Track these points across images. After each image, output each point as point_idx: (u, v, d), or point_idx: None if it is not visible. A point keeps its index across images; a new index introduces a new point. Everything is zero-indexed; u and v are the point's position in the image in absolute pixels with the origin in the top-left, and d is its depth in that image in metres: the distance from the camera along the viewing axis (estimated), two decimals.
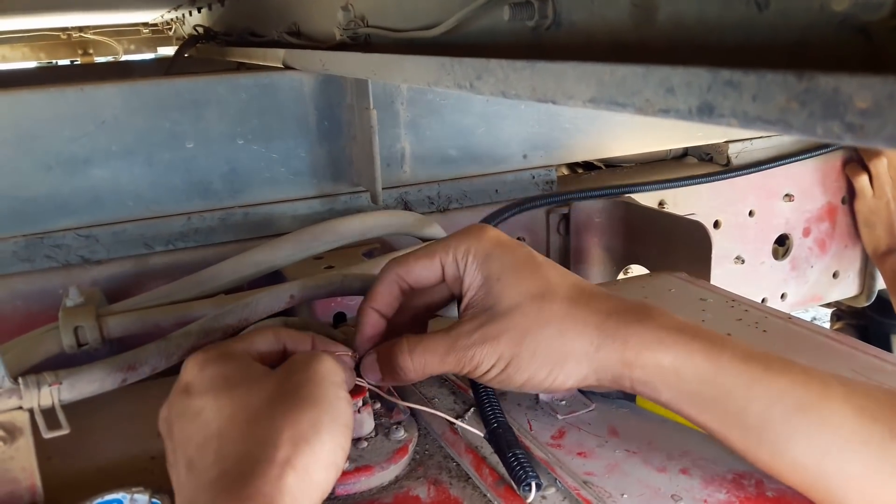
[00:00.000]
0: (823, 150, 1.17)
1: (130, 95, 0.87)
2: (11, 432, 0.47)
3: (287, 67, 0.97)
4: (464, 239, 0.56)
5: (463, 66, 0.49)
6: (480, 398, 0.59)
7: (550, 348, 0.52)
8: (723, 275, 1.17)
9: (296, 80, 0.95)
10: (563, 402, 0.65)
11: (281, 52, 0.99)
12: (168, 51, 2.89)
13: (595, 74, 0.37)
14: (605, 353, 0.52)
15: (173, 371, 0.63)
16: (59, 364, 0.60)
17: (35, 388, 0.48)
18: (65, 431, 0.47)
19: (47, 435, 0.47)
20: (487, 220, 0.85)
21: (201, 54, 1.75)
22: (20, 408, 0.47)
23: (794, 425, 0.48)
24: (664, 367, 0.51)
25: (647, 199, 1.13)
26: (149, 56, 2.98)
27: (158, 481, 0.56)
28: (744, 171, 1.11)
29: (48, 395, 0.48)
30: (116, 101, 0.86)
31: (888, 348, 1.71)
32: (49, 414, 0.48)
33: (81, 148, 0.85)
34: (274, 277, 0.83)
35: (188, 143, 0.90)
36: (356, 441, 0.57)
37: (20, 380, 0.48)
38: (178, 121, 0.89)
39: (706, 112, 0.32)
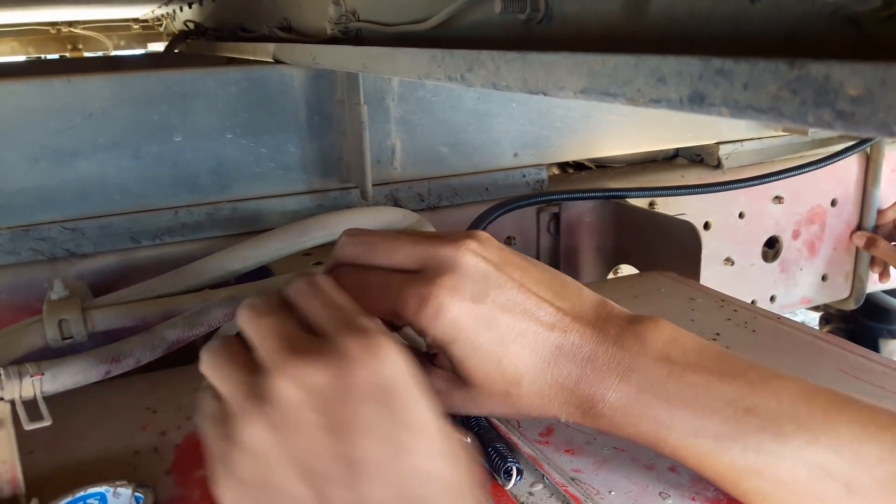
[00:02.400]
0: (821, 164, 1.17)
1: (119, 87, 0.86)
2: None
3: (277, 62, 0.96)
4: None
5: (454, 59, 0.49)
6: None
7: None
8: (712, 276, 1.17)
9: (286, 74, 0.94)
10: None
11: (271, 46, 0.99)
12: (158, 47, 2.87)
13: (586, 64, 0.37)
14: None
15: (157, 365, 0.63)
16: (44, 358, 0.59)
17: (17, 378, 0.47)
18: (47, 423, 0.46)
19: (29, 427, 0.46)
20: (479, 219, 0.85)
21: (191, 50, 1.74)
22: (1, 399, 0.46)
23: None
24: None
25: (637, 199, 1.12)
26: (138, 52, 2.97)
27: (141, 476, 0.56)
28: (737, 185, 1.10)
29: (30, 386, 0.47)
30: (104, 94, 0.85)
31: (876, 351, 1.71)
32: (31, 406, 0.48)
33: (68, 140, 0.84)
34: (261, 273, 0.82)
35: (176, 136, 0.90)
36: None
37: (1, 370, 0.47)
38: (166, 114, 0.88)
39: (697, 101, 0.31)
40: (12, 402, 0.47)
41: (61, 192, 0.85)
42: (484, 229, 0.81)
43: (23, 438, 0.49)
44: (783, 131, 1.30)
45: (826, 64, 0.25)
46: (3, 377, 0.46)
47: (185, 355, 0.76)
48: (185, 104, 0.89)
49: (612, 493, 0.52)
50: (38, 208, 0.84)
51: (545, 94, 0.41)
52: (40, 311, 0.70)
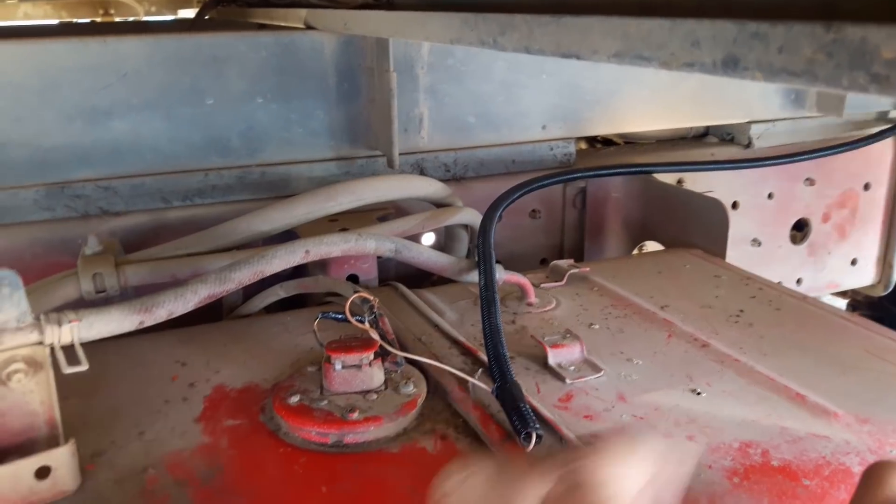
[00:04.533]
0: (855, 145, 1.14)
1: (153, 49, 0.87)
2: (32, 366, 0.47)
3: (308, 27, 0.97)
4: None
5: (486, 22, 0.49)
6: (490, 355, 0.59)
7: None
8: (739, 256, 1.16)
9: (317, 40, 0.94)
10: (572, 368, 0.65)
11: (303, 12, 0.99)
12: (189, 13, 2.88)
13: (621, 28, 0.37)
14: None
15: (186, 321, 0.64)
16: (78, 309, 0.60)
17: (56, 324, 0.48)
18: (83, 368, 0.48)
19: (67, 370, 0.47)
20: (505, 195, 0.84)
21: (222, 16, 1.75)
22: (41, 343, 0.48)
23: None
24: None
25: (665, 175, 1.12)
26: (169, 17, 2.97)
27: (172, 423, 0.58)
28: (767, 162, 1.08)
29: (68, 331, 0.49)
30: (139, 54, 0.86)
31: None
32: (69, 351, 0.49)
33: (103, 99, 0.86)
34: (288, 236, 0.83)
35: (208, 99, 0.91)
36: (366, 393, 0.57)
37: (41, 316, 0.49)
38: (198, 77, 0.89)
39: (731, 65, 0.31)
40: (51, 347, 0.49)
41: (95, 151, 0.87)
42: (509, 205, 0.81)
43: (59, 385, 0.50)
44: (817, 111, 1.28)
45: (862, 27, 0.25)
46: (42, 323, 0.48)
47: (212, 312, 0.78)
48: (217, 67, 0.90)
49: None
50: (73, 166, 0.86)
51: (578, 58, 0.41)
52: (73, 265, 0.72)
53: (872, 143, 1.18)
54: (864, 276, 1.41)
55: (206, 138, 0.92)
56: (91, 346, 0.52)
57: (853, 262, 1.38)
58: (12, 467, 0.46)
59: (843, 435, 0.56)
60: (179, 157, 0.91)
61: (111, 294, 0.69)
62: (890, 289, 1.44)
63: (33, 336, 0.48)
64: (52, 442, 0.49)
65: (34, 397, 0.48)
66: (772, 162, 1.06)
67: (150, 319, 0.55)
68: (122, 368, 0.66)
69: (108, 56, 0.85)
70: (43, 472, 0.47)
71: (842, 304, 2.00)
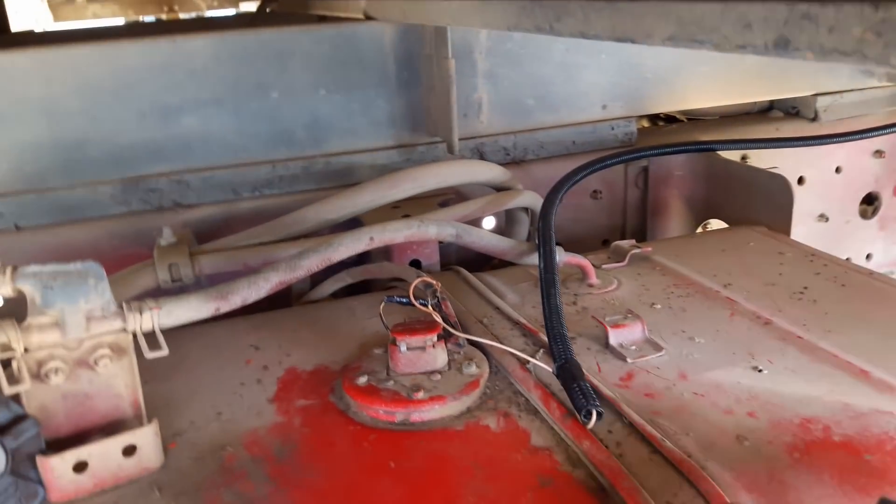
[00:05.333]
0: None
1: (219, 46, 0.90)
2: (117, 351, 0.51)
3: (368, 18, 0.98)
4: None
5: (542, 8, 0.50)
6: (551, 335, 0.61)
7: None
8: (805, 233, 1.14)
9: (376, 30, 0.96)
10: (634, 347, 0.66)
11: (362, 2, 1.01)
12: (250, 7, 2.94)
13: (674, 12, 0.38)
14: None
15: (257, 307, 0.67)
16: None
17: (137, 312, 0.52)
18: (164, 353, 0.51)
19: (149, 355, 0.51)
20: (570, 175, 0.84)
21: (283, 8, 1.79)
22: (124, 330, 0.51)
23: None
24: None
25: (730, 152, 1.10)
26: (231, 12, 3.04)
27: (247, 403, 0.61)
28: (834, 139, 1.05)
29: (149, 319, 0.52)
30: (206, 52, 0.90)
31: None
32: (150, 337, 0.53)
33: (173, 97, 0.90)
34: (353, 224, 0.86)
35: (273, 93, 0.94)
36: (430, 374, 0.59)
37: (124, 304, 0.52)
38: (263, 71, 0.93)
39: (782, 46, 0.32)
40: (134, 334, 0.52)
41: (168, 146, 0.91)
42: (571, 187, 0.82)
43: (141, 370, 0.54)
44: (887, 81, 1.24)
45: None
46: (125, 311, 0.52)
47: (282, 299, 0.82)
48: (280, 62, 0.93)
49: (690, 434, 0.53)
50: (146, 161, 0.91)
51: (633, 42, 0.42)
52: (149, 256, 0.76)
53: None
54: None
55: (273, 131, 0.95)
56: (169, 333, 0.55)
57: None
58: (102, 445, 0.50)
59: None
60: (247, 150, 0.94)
61: (186, 283, 0.73)
62: None
63: (117, 323, 0.51)
64: (136, 422, 0.53)
65: (119, 381, 0.52)
66: (838, 139, 1.03)
67: (226, 306, 0.58)
68: (198, 353, 0.69)
69: (177, 55, 0.89)
70: (129, 451, 0.51)
71: None
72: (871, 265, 1.29)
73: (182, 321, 0.56)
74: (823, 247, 0.91)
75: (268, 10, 1.84)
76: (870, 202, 1.27)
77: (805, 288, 0.78)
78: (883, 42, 0.27)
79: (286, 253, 0.74)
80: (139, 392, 0.53)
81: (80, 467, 0.50)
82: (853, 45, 0.29)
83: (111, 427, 0.53)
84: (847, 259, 1.27)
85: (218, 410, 0.60)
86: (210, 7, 3.10)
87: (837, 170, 1.21)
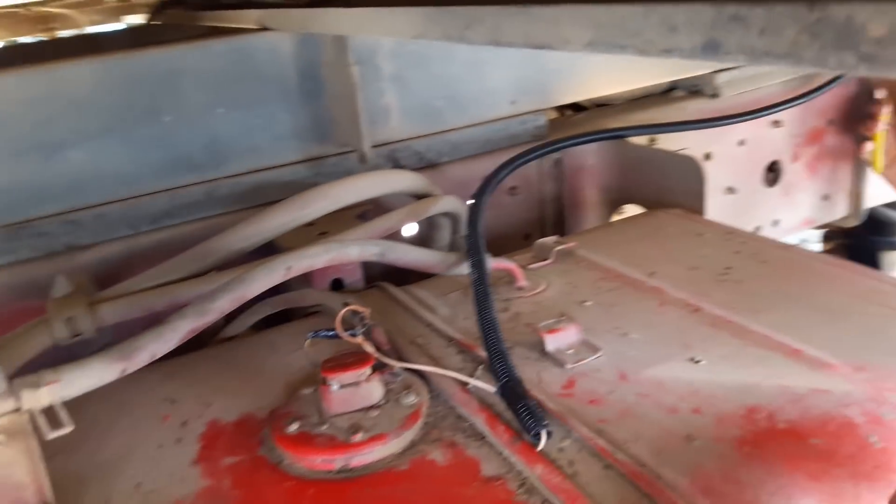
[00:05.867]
0: (817, 93, 1.15)
1: (101, 72, 0.84)
2: (12, 435, 0.45)
3: (263, 28, 0.93)
4: None
5: (451, 16, 0.47)
6: (490, 353, 0.58)
7: None
8: (716, 206, 1.16)
9: (272, 40, 0.92)
10: (571, 351, 0.64)
11: (255, 13, 0.96)
12: (135, 19, 2.80)
13: (592, 16, 0.35)
14: None
15: (173, 354, 0.62)
16: (54, 356, 0.58)
17: (33, 388, 0.46)
18: (68, 429, 0.46)
19: (50, 436, 0.46)
20: (488, 180, 0.82)
21: (171, 20, 1.70)
22: (18, 410, 0.46)
23: None
24: None
25: (638, 137, 1.11)
26: (116, 27, 2.89)
27: (169, 469, 0.56)
28: (739, 117, 1.09)
29: (47, 394, 0.47)
30: (87, 79, 0.83)
31: (877, 265, 1.72)
32: (50, 413, 0.47)
33: (55, 130, 0.82)
34: (266, 249, 0.81)
35: (166, 116, 0.88)
36: (367, 410, 0.56)
37: (16, 381, 0.46)
38: (153, 94, 0.86)
39: (712, 50, 0.30)
40: (31, 412, 0.46)
41: (54, 185, 0.83)
42: (493, 190, 0.80)
43: (43, 443, 0.48)
44: None
45: (847, 5, 0.24)
46: (17, 388, 0.46)
47: (196, 341, 0.76)
48: (171, 82, 0.87)
49: (640, 440, 0.52)
50: (31, 203, 0.83)
51: (551, 49, 0.40)
52: (45, 309, 0.69)
53: (836, 85, 1.18)
54: (836, 210, 1.42)
55: (169, 157, 0.89)
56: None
57: (825, 198, 1.39)
58: None
59: (843, 386, 0.56)
60: (143, 180, 0.88)
61: (87, 336, 0.67)
62: (862, 219, 1.45)
63: (9, 404, 0.45)
64: None
65: (18, 469, 0.46)
66: (741, 118, 1.06)
67: (133, 366, 0.53)
68: (108, 415, 0.63)
69: (55, 84, 0.82)
70: None
71: (817, 234, 2.02)
72: (779, 230, 1.33)
73: (84, 390, 0.50)
74: (734, 218, 0.93)
75: (155, 22, 1.75)
76: (772, 170, 1.31)
77: (728, 268, 0.78)
78: (819, 44, 0.26)
79: (195, 292, 0.69)
80: (44, 478, 0.48)
81: None
82: (787, 48, 0.27)
83: None
84: (757, 227, 1.31)
85: (137, 482, 0.55)
86: (92, 22, 2.93)
87: (741, 143, 1.24)
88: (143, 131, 0.87)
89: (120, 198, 0.87)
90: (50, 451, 0.48)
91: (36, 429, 0.47)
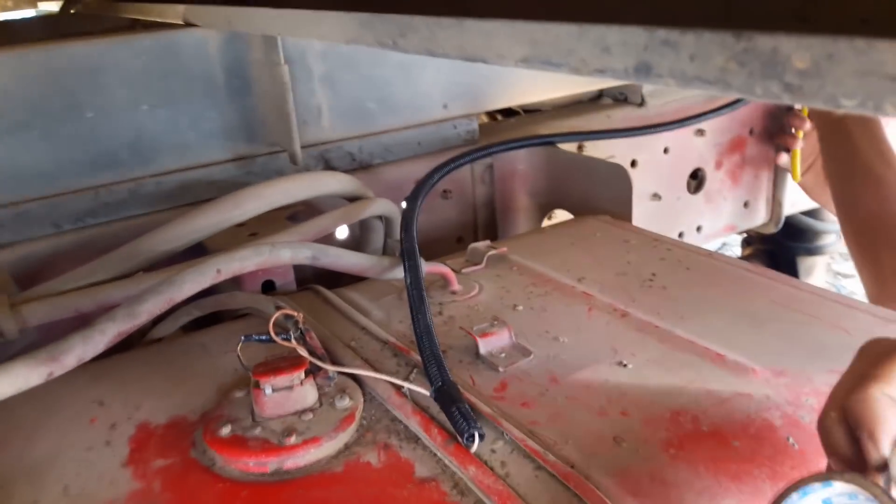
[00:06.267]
0: (740, 104, 1.21)
1: (19, 64, 0.80)
2: None
3: (188, 24, 0.91)
4: None
5: (385, 23, 0.47)
6: (425, 357, 0.59)
7: None
8: (642, 213, 1.20)
9: (199, 37, 0.90)
10: (503, 355, 0.65)
11: (181, 8, 0.94)
12: (50, 6, 2.69)
13: (527, 33, 0.36)
14: None
15: (101, 356, 0.61)
16: None
17: None
18: None
19: None
20: (422, 183, 0.83)
21: (88, 10, 1.64)
22: None
23: None
24: None
25: (566, 143, 1.13)
26: (29, 13, 2.77)
27: (98, 471, 0.54)
28: (665, 127, 1.13)
29: None
30: (4, 71, 0.80)
31: (794, 269, 1.80)
32: None
33: None
34: (195, 249, 0.80)
35: (88, 112, 0.85)
36: (301, 413, 0.56)
37: None
38: (74, 90, 0.84)
39: (643, 72, 0.31)
40: None
41: None
42: (427, 194, 0.80)
43: None
44: None
45: (773, 36, 0.25)
46: None
47: (124, 342, 0.74)
48: (94, 78, 0.84)
49: (570, 441, 0.54)
50: None
51: (485, 62, 0.41)
52: None
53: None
54: (756, 217, 1.48)
55: (92, 154, 0.86)
56: None
57: (746, 205, 1.45)
58: None
59: (763, 390, 0.59)
60: (65, 177, 0.85)
61: (9, 339, 0.64)
62: (780, 226, 1.52)
63: None
64: None
65: None
66: (665, 128, 1.10)
67: (60, 369, 0.51)
68: (34, 418, 0.61)
69: None
70: None
71: (737, 239, 2.10)
72: (702, 236, 1.39)
73: (8, 394, 0.49)
74: (659, 224, 0.96)
75: (72, 10, 1.69)
76: (695, 177, 1.36)
77: (653, 275, 0.81)
78: (746, 72, 0.27)
79: (123, 293, 0.68)
80: None
81: None
82: (715, 74, 0.28)
83: None
84: (681, 233, 1.35)
85: (64, 484, 0.53)
86: (3, 8, 2.80)
87: (665, 150, 1.28)
88: (64, 127, 0.84)
89: (41, 195, 0.84)
90: None
91: None
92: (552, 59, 0.36)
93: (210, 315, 0.80)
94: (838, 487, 0.37)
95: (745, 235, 1.97)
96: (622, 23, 0.32)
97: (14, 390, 0.49)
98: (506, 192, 1.13)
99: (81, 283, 0.70)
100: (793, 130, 1.31)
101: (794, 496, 0.38)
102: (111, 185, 0.88)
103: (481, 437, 0.52)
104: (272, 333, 0.57)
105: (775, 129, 1.39)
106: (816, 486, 0.37)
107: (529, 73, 1.14)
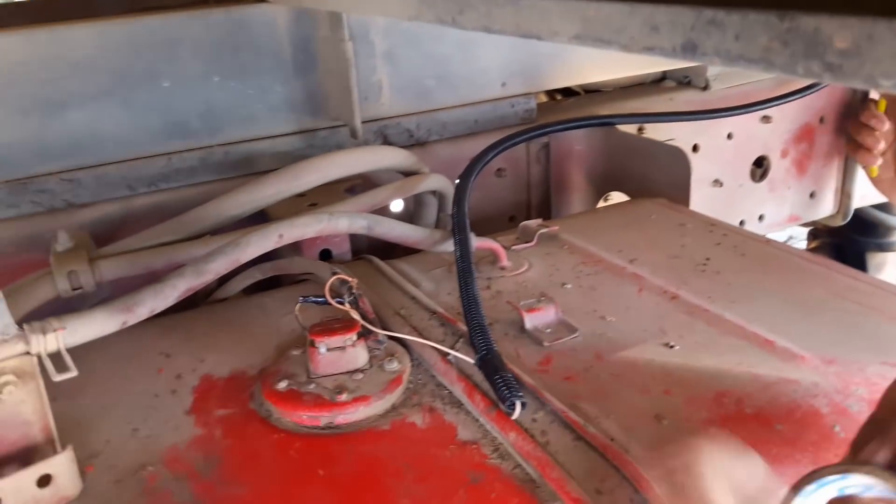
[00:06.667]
0: (808, 91, 1.18)
1: (103, 35, 0.85)
2: (21, 377, 0.48)
3: (260, 0, 0.95)
4: None
5: (445, 1, 0.49)
6: (471, 326, 0.61)
7: None
8: (701, 198, 1.19)
9: (268, 13, 0.93)
10: (549, 330, 0.67)
11: None
12: None
13: (580, 11, 0.37)
14: None
15: (168, 312, 0.65)
16: (56, 308, 0.60)
17: (41, 333, 0.49)
18: (73, 374, 0.48)
19: (56, 378, 0.48)
20: (476, 160, 0.84)
21: None
22: (28, 353, 0.48)
23: None
24: None
25: (626, 125, 1.13)
26: None
27: (164, 417, 0.58)
28: (729, 112, 1.11)
29: (53, 339, 0.49)
30: (89, 42, 0.84)
31: (863, 266, 1.75)
32: (55, 358, 0.50)
33: (58, 91, 0.84)
34: (258, 217, 0.83)
35: (164, 82, 0.89)
36: (352, 373, 0.59)
37: (25, 326, 0.49)
38: (152, 60, 0.88)
39: (690, 50, 0.32)
40: (38, 356, 0.49)
41: (56, 144, 0.85)
42: (480, 171, 0.82)
43: (47, 388, 0.51)
44: None
45: (815, 16, 0.26)
46: (28, 333, 0.48)
47: (189, 301, 0.78)
48: (170, 49, 0.88)
49: (611, 416, 0.55)
50: (34, 161, 0.84)
51: (539, 39, 0.42)
52: (45, 261, 0.71)
53: (826, 85, 1.20)
54: (823, 208, 1.45)
55: (166, 122, 0.90)
56: (74, 346, 0.52)
57: (812, 195, 1.41)
58: (14, 479, 0.47)
59: (811, 377, 0.59)
60: (141, 143, 0.89)
61: (87, 290, 0.69)
62: (848, 218, 1.48)
63: (19, 347, 0.48)
64: (49, 449, 0.50)
65: (26, 407, 0.48)
66: (729, 112, 1.08)
67: (133, 318, 0.55)
68: (107, 366, 0.66)
69: (57, 46, 0.83)
70: (44, 481, 0.48)
71: (803, 231, 2.04)
72: (763, 226, 1.36)
73: (88, 338, 0.53)
74: (719, 210, 0.95)
75: None
76: (759, 165, 1.34)
77: (707, 259, 0.81)
78: (789, 52, 0.28)
79: (191, 253, 0.71)
80: (49, 417, 0.50)
81: None
82: (759, 54, 0.29)
83: (22, 456, 0.49)
84: (741, 221, 1.33)
85: (134, 426, 0.58)
86: None
87: (729, 136, 1.26)
88: (141, 96, 0.88)
89: (118, 159, 0.89)
90: (53, 395, 0.51)
91: (43, 372, 0.49)
92: (603, 37, 0.37)
93: (270, 279, 0.84)
94: (854, 479, 0.38)
95: (811, 228, 1.92)
96: (670, 2, 0.33)
97: (92, 335, 0.53)
98: (561, 173, 1.14)
99: (153, 242, 0.74)
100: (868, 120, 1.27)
101: (811, 486, 0.38)
102: (183, 152, 0.92)
103: (523, 405, 0.54)
104: (328, 296, 0.59)
105: (848, 119, 1.35)
106: (834, 477, 0.38)
107: (589, 52, 1.14)
